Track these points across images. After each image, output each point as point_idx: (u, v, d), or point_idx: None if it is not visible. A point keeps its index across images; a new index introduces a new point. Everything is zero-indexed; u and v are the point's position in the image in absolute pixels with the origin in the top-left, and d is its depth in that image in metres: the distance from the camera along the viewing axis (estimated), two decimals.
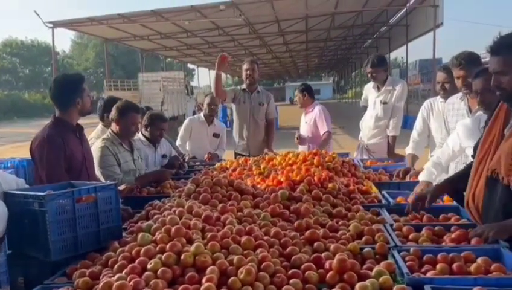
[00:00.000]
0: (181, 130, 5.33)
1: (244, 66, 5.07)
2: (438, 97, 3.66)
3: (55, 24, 16.51)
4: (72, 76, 3.08)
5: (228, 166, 3.84)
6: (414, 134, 3.80)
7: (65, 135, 2.85)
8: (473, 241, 2.00)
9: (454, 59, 3.17)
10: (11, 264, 2.25)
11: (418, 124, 3.76)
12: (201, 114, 5.28)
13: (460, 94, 3.36)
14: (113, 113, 3.50)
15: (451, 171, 3.25)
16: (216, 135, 5.23)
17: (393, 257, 1.87)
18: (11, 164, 5.37)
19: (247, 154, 4.94)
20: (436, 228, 2.20)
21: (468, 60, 3.08)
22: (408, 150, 3.84)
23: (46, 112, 38.18)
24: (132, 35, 20.14)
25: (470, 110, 3.23)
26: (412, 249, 1.92)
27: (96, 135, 3.97)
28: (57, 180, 2.63)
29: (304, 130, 5.26)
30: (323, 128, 5.02)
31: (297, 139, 5.20)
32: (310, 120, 5.17)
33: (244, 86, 5.14)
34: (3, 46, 50.70)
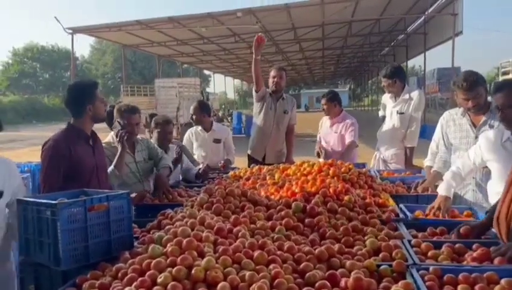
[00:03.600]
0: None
1: (272, 73, 4.94)
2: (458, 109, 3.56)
3: (75, 30, 16.79)
4: (83, 83, 3.05)
5: (242, 175, 3.80)
6: (433, 146, 3.71)
7: (74, 143, 2.82)
8: (496, 261, 1.91)
9: (461, 82, 3.07)
10: (22, 272, 2.24)
11: (436, 136, 3.66)
12: None
13: (460, 109, 3.29)
14: (115, 115, 3.64)
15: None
16: (217, 141, 5.06)
17: (412, 275, 1.79)
18: (27, 168, 5.40)
19: (262, 160, 4.87)
20: (457, 245, 2.12)
21: (473, 81, 3.01)
22: (427, 162, 3.74)
23: (64, 115, 38.76)
24: (149, 41, 20.38)
25: (473, 125, 3.18)
26: (431, 268, 1.83)
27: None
28: (49, 186, 2.66)
29: (333, 140, 4.94)
30: (349, 138, 4.81)
31: (320, 152, 4.81)
32: (341, 130, 4.90)
33: (269, 91, 4.98)
34: (25, 50, 51.68)
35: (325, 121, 5.12)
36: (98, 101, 2.89)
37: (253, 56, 4.63)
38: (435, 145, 3.64)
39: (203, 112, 4.98)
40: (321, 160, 4.78)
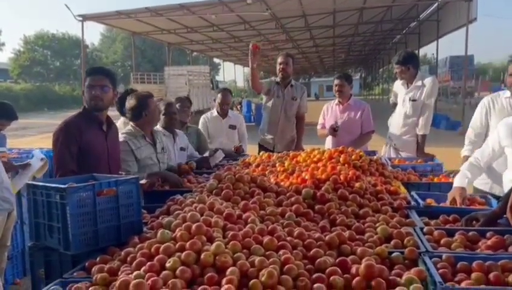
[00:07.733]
0: None
1: (279, 60, 4.94)
2: (502, 92, 3.36)
3: (85, 17, 16.78)
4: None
5: (251, 161, 3.78)
6: (470, 134, 3.45)
7: (85, 127, 2.83)
8: (510, 249, 1.88)
9: None
10: (32, 256, 2.25)
11: (474, 123, 3.42)
12: (214, 109, 5.28)
13: (507, 92, 3.17)
14: (132, 112, 3.42)
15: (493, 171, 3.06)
16: (232, 127, 5.19)
17: (424, 263, 1.76)
18: None
19: (272, 149, 4.85)
20: (470, 233, 2.08)
21: None
22: (464, 152, 3.45)
23: (75, 103, 39.10)
24: (159, 29, 20.30)
25: None
26: (444, 256, 1.80)
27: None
28: (63, 167, 2.70)
29: (346, 126, 4.68)
30: (369, 127, 4.72)
31: (335, 129, 4.56)
32: (355, 115, 4.70)
33: (277, 79, 4.98)
34: (36, 38, 51.77)
35: (334, 106, 4.84)
36: (87, 88, 2.85)
37: (250, 65, 4.56)
38: (473, 134, 3.41)
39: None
40: (328, 141, 4.71)
